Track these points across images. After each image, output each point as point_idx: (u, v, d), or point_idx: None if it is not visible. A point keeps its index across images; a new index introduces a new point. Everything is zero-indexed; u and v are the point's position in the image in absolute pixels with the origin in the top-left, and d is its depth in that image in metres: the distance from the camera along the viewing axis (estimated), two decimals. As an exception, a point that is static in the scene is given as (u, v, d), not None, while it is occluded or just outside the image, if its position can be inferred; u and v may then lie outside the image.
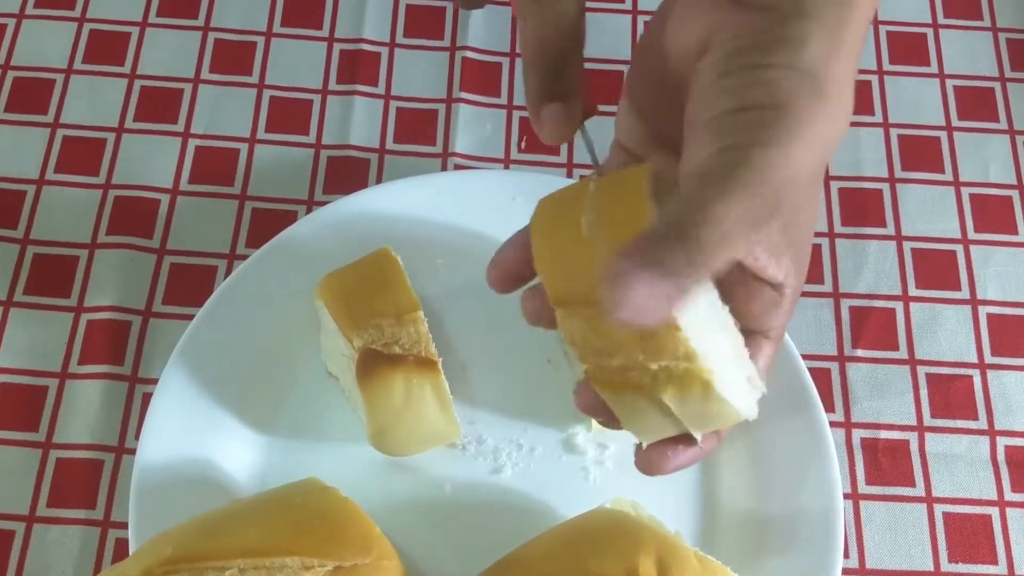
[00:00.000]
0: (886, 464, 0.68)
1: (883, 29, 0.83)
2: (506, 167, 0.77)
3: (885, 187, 0.76)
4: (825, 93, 0.38)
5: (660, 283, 0.34)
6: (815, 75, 0.38)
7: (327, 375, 0.68)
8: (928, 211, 0.76)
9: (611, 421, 0.48)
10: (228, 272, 0.71)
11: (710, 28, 0.41)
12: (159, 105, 0.78)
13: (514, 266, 0.49)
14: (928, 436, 0.68)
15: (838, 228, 0.75)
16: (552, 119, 0.47)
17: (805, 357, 0.67)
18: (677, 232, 0.35)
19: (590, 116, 0.49)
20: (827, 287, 0.73)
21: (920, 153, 0.78)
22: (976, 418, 0.69)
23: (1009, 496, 0.67)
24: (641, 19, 0.83)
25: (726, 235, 0.35)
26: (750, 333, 0.47)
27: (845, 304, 0.72)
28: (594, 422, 0.64)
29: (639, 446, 0.48)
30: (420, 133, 0.78)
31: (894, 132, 0.79)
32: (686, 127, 0.41)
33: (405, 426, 0.61)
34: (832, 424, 0.65)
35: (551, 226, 0.45)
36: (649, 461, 0.48)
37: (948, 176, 0.77)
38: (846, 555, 0.63)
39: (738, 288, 0.45)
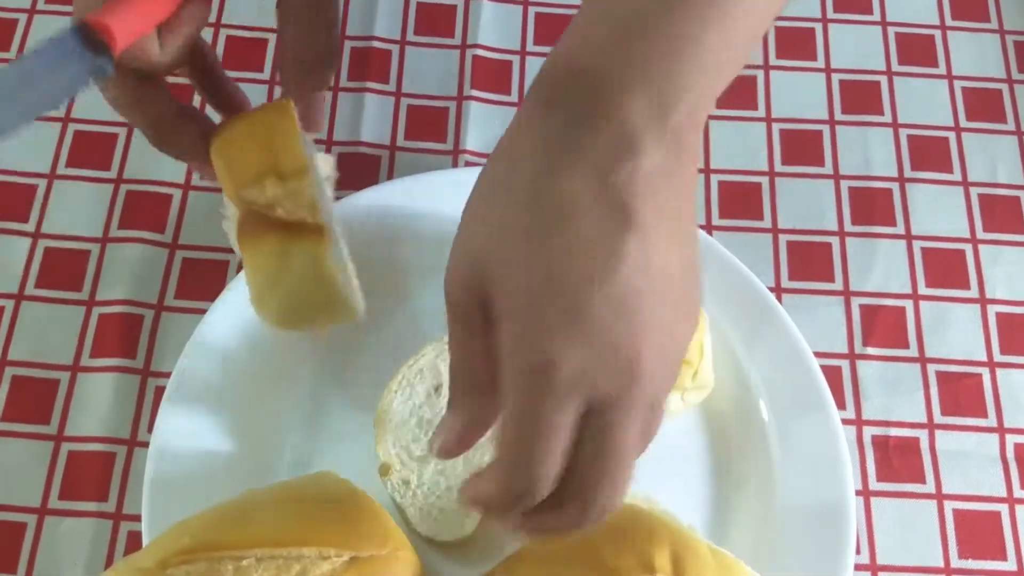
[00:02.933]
0: (897, 461, 0.68)
1: (892, 31, 0.83)
2: (517, 164, 0.77)
3: (895, 186, 0.77)
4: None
5: None
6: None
7: (339, 362, 0.68)
8: (937, 210, 0.76)
9: None
10: (240, 267, 0.71)
11: None
12: (171, 100, 0.78)
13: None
14: (938, 433, 0.69)
15: (848, 227, 0.75)
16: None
17: (817, 355, 0.67)
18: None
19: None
20: (838, 285, 0.73)
21: (929, 153, 0.78)
22: (986, 416, 0.69)
23: (1018, 493, 0.67)
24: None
25: None
26: None
27: (856, 302, 0.72)
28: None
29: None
30: (431, 130, 0.78)
31: (903, 132, 0.79)
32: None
33: (280, 296, 0.58)
34: (843, 421, 0.66)
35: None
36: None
37: (957, 176, 0.78)
38: (857, 551, 0.63)
39: None
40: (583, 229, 0.38)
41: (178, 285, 0.71)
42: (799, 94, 0.81)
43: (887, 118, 0.80)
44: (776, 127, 0.79)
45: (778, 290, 0.72)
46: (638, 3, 0.40)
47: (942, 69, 0.82)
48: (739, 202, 0.76)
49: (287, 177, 0.56)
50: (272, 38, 0.81)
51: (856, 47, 0.83)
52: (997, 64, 0.83)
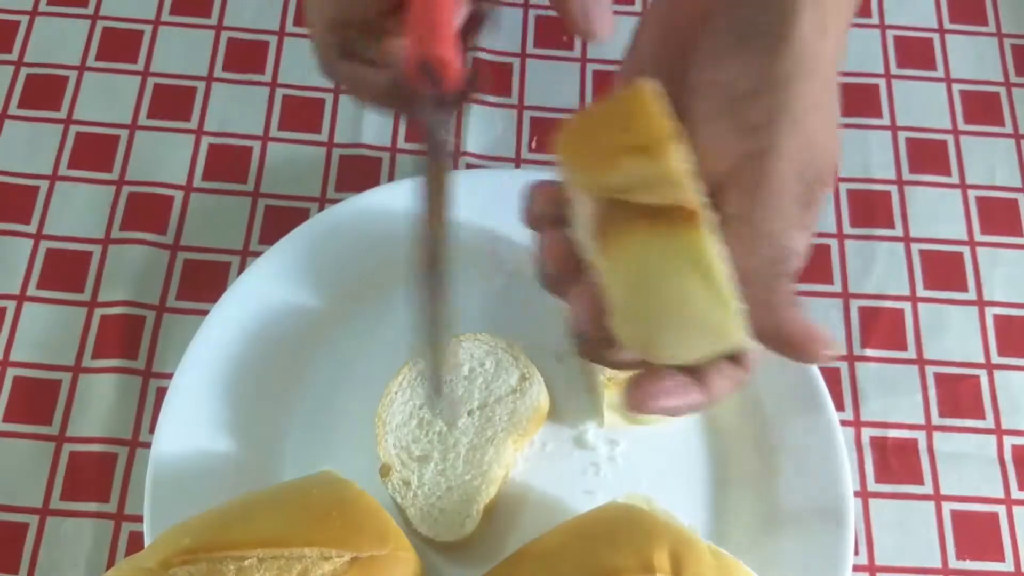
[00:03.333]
0: (895, 462, 0.68)
1: (890, 34, 0.84)
2: (517, 166, 0.78)
3: (893, 189, 0.77)
4: (820, 63, 0.42)
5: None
6: (809, 44, 0.41)
7: (341, 370, 0.68)
8: (935, 213, 0.77)
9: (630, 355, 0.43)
10: (241, 268, 0.72)
11: None
12: (172, 103, 0.78)
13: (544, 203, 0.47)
14: (936, 435, 0.69)
15: (847, 229, 0.75)
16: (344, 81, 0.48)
17: (815, 356, 0.67)
18: (780, 271, 0.42)
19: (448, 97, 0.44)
20: (836, 287, 0.73)
21: (927, 156, 0.79)
22: (983, 417, 0.70)
23: (1016, 494, 0.67)
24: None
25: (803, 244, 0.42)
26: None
27: (854, 304, 0.73)
28: (606, 418, 0.65)
29: (627, 387, 0.43)
30: (432, 132, 0.78)
31: (902, 135, 0.79)
32: (694, 93, 0.43)
33: (657, 312, 0.40)
34: (842, 423, 0.66)
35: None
36: (638, 391, 0.43)
37: (955, 179, 0.78)
38: (856, 552, 0.64)
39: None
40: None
41: (180, 286, 0.72)
42: (798, 97, 0.81)
43: (886, 121, 0.80)
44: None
45: (777, 292, 0.73)
46: None
47: (940, 72, 0.82)
48: (738, 204, 0.76)
49: (651, 149, 0.41)
50: (273, 40, 0.81)
51: (855, 50, 0.83)
52: (995, 67, 0.83)
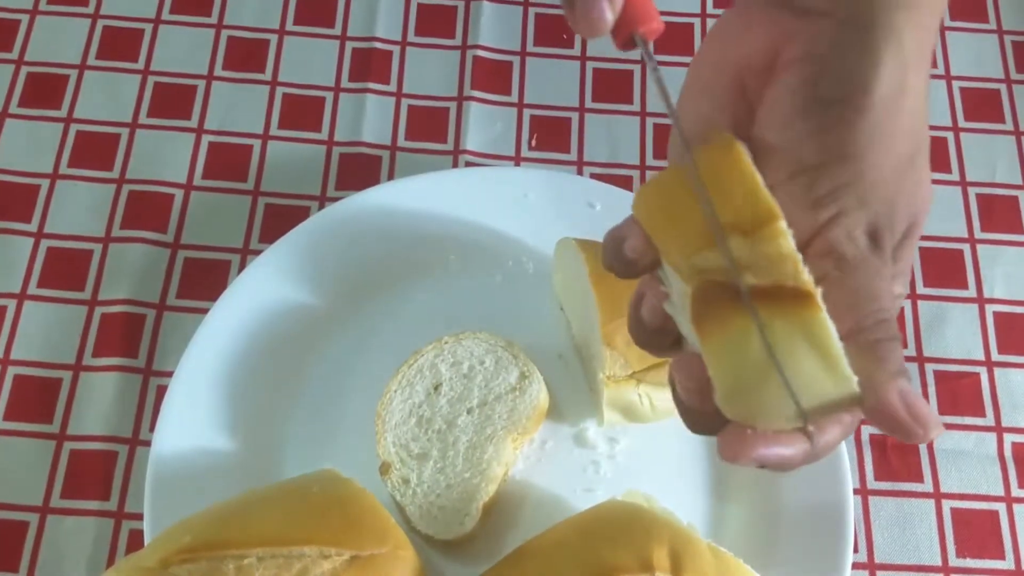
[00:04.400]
0: (895, 460, 0.68)
1: (890, 31, 0.83)
2: (517, 164, 0.78)
3: (893, 186, 0.77)
4: (898, 125, 0.39)
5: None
6: (887, 109, 0.38)
7: (345, 368, 0.68)
8: (936, 211, 0.75)
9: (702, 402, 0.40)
10: (242, 266, 0.72)
11: (775, 41, 0.40)
12: (173, 101, 0.78)
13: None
14: (936, 432, 0.69)
15: (847, 227, 0.75)
16: (580, 8, 0.41)
17: (815, 353, 0.67)
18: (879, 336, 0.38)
19: (647, 33, 0.42)
20: (836, 285, 0.73)
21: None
22: (983, 415, 0.70)
23: (1016, 492, 0.67)
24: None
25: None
26: None
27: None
28: (605, 416, 0.65)
29: (721, 438, 0.40)
30: (431, 131, 0.79)
31: (902, 132, 0.79)
32: (760, 153, 0.40)
33: (768, 389, 0.39)
34: (841, 421, 0.66)
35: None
36: (731, 443, 0.39)
37: (955, 176, 0.78)
38: (855, 549, 0.64)
39: None
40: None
41: (180, 285, 0.72)
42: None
43: (886, 118, 0.80)
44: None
45: (777, 290, 0.72)
46: None
47: (940, 69, 0.82)
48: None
49: (751, 230, 0.38)
50: (273, 39, 0.81)
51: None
52: (995, 64, 0.83)
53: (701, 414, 0.40)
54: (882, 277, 0.39)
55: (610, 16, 0.40)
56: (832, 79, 0.38)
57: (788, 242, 0.37)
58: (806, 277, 0.37)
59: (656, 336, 0.43)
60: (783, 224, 0.37)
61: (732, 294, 0.38)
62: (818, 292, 0.37)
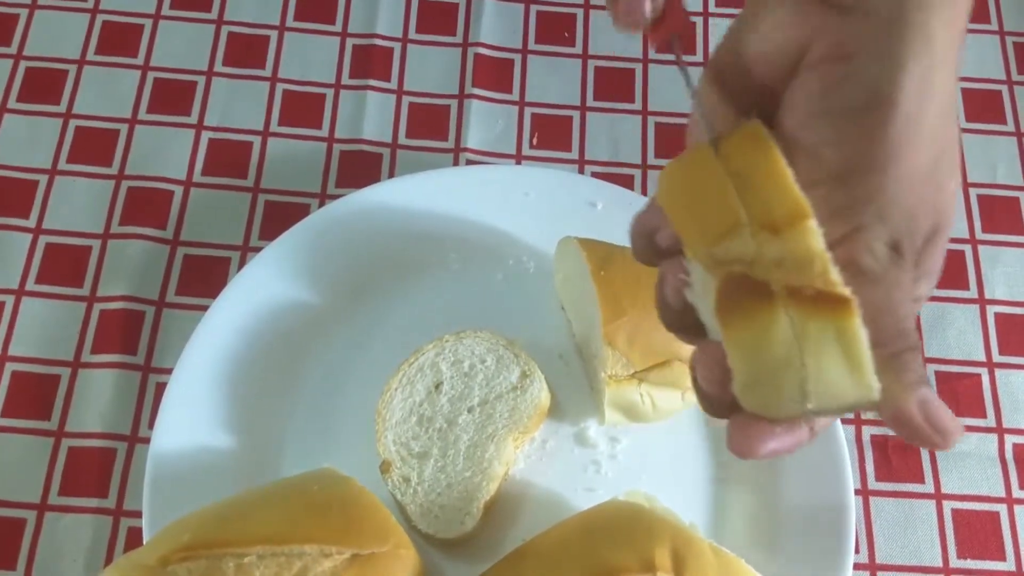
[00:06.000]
0: (896, 461, 0.68)
1: (892, 31, 0.83)
2: (517, 162, 0.77)
3: (895, 187, 0.77)
4: (921, 134, 0.37)
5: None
6: (911, 119, 0.37)
7: (340, 367, 0.68)
8: (937, 211, 0.76)
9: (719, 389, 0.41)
10: (241, 264, 0.72)
11: (800, 38, 0.39)
12: (172, 97, 0.78)
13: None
14: (937, 433, 0.69)
15: (848, 227, 0.75)
16: (622, 5, 0.42)
17: (816, 353, 0.67)
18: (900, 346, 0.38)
19: (677, 30, 0.43)
20: (837, 285, 0.73)
21: (929, 154, 0.78)
22: (984, 416, 0.70)
23: (1017, 493, 0.67)
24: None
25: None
26: None
27: (855, 302, 0.73)
28: (607, 415, 0.65)
29: (731, 429, 0.41)
30: (432, 128, 0.78)
31: (903, 133, 0.79)
32: (785, 149, 0.39)
33: (787, 384, 0.38)
34: (842, 421, 0.66)
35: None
36: (742, 440, 0.40)
37: (956, 177, 0.78)
38: (856, 550, 0.63)
39: None
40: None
41: (179, 281, 0.71)
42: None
43: (887, 119, 0.80)
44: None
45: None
46: None
47: (942, 70, 0.82)
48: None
49: (781, 227, 0.37)
50: (273, 35, 0.81)
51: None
52: (997, 65, 0.83)
53: (719, 400, 0.40)
54: (903, 289, 0.38)
55: (650, 13, 0.41)
56: (857, 85, 0.37)
57: (818, 241, 0.36)
58: (834, 277, 0.36)
59: (682, 317, 0.42)
60: (813, 223, 0.36)
61: (758, 288, 0.37)
62: (855, 299, 0.36)
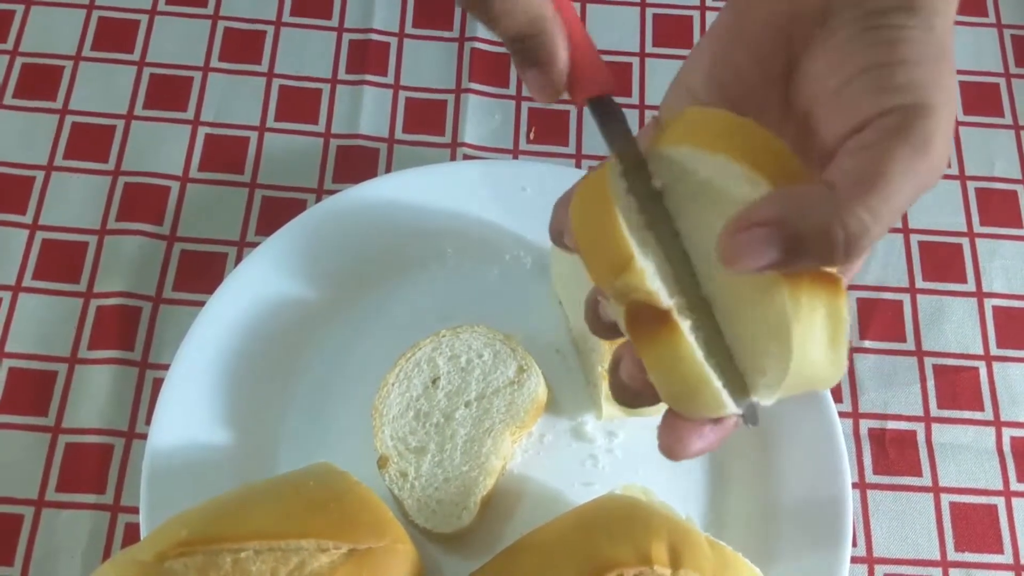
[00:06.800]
0: (893, 454, 0.68)
1: (890, 24, 0.83)
2: (515, 157, 0.77)
3: (892, 180, 0.77)
4: (950, 63, 0.39)
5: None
6: (944, 47, 0.39)
7: (337, 360, 0.68)
8: (935, 205, 0.76)
9: (639, 395, 0.44)
10: (238, 259, 0.72)
11: None
12: (168, 92, 0.78)
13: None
14: (935, 427, 0.69)
15: (845, 220, 0.75)
16: (529, 83, 0.46)
17: (814, 347, 0.67)
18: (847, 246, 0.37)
19: (594, 95, 0.46)
20: (835, 278, 0.73)
21: (927, 147, 0.78)
22: (982, 409, 0.70)
23: (1015, 486, 0.67)
24: (649, 11, 0.83)
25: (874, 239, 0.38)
26: None
27: (853, 296, 0.73)
28: (604, 410, 0.65)
29: (660, 430, 0.44)
30: (429, 123, 0.78)
31: (901, 126, 0.79)
32: (812, 100, 0.41)
33: (707, 392, 0.41)
34: (840, 414, 0.66)
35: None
36: (670, 444, 0.43)
37: (954, 170, 0.78)
38: (854, 543, 0.63)
39: None
40: None
41: (176, 277, 0.71)
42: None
43: (885, 112, 0.79)
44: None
45: (776, 283, 0.72)
46: None
47: (940, 63, 0.82)
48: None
49: (618, 271, 0.40)
50: (270, 30, 0.81)
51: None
52: (995, 58, 0.83)
53: (635, 394, 0.43)
54: (892, 206, 0.38)
55: (559, 87, 0.45)
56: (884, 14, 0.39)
57: (640, 279, 0.39)
58: (663, 304, 0.39)
59: (639, 399, 0.44)
60: (636, 264, 0.39)
61: (658, 314, 0.40)
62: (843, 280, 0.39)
